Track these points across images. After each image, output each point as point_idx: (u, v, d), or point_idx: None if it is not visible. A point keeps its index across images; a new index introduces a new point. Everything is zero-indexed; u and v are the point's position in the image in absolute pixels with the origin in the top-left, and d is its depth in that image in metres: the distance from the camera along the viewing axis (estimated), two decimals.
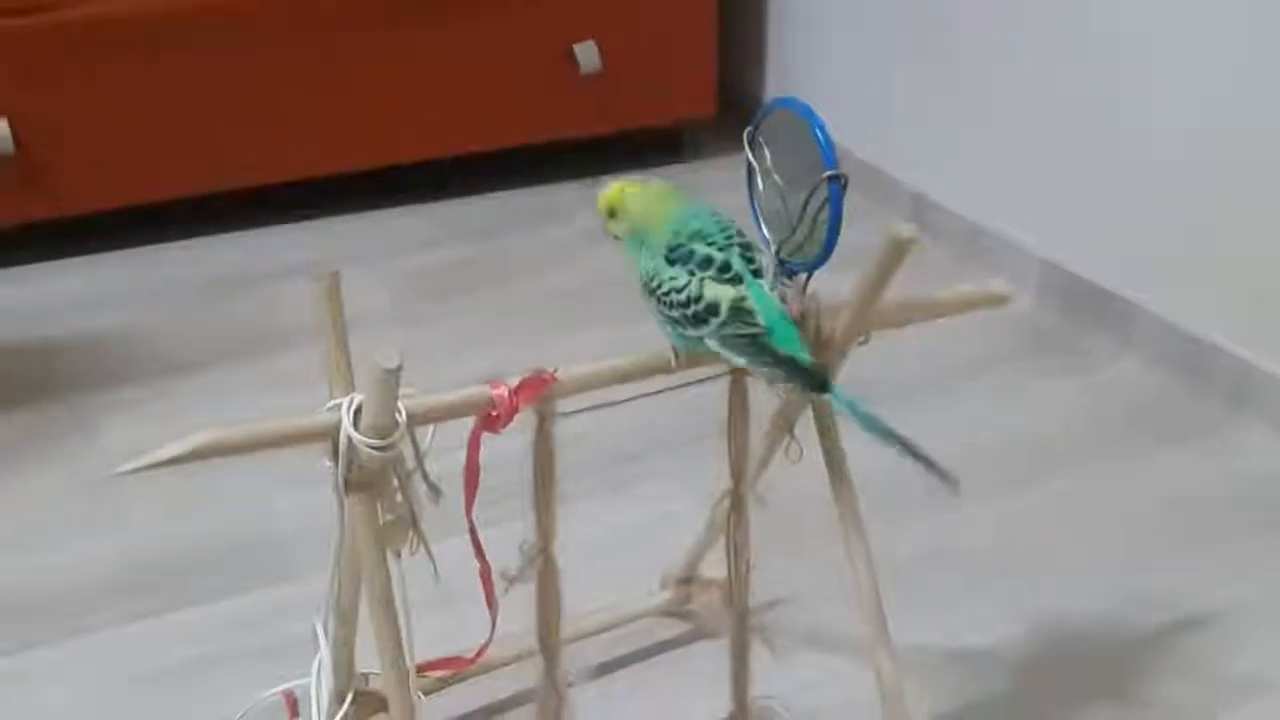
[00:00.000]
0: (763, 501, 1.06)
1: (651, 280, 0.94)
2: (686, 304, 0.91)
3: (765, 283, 0.93)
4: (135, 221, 2.32)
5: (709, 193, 2.56)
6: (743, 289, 0.91)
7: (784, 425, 1.09)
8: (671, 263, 0.93)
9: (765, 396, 1.06)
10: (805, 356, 0.91)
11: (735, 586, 1.08)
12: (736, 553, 1.06)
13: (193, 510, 1.59)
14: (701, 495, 1.31)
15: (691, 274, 0.92)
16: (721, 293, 0.91)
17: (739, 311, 0.90)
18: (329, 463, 0.93)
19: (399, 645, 0.94)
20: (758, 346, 0.90)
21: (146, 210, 2.31)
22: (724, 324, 0.91)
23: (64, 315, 2.09)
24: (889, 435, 0.94)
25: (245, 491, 1.59)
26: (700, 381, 1.01)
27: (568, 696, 1.12)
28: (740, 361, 0.92)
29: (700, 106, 2.66)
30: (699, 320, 0.92)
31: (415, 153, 2.48)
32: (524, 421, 0.98)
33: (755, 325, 0.90)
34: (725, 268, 0.92)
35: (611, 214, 0.99)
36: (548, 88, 2.50)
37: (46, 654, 1.39)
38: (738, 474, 1.05)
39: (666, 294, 0.93)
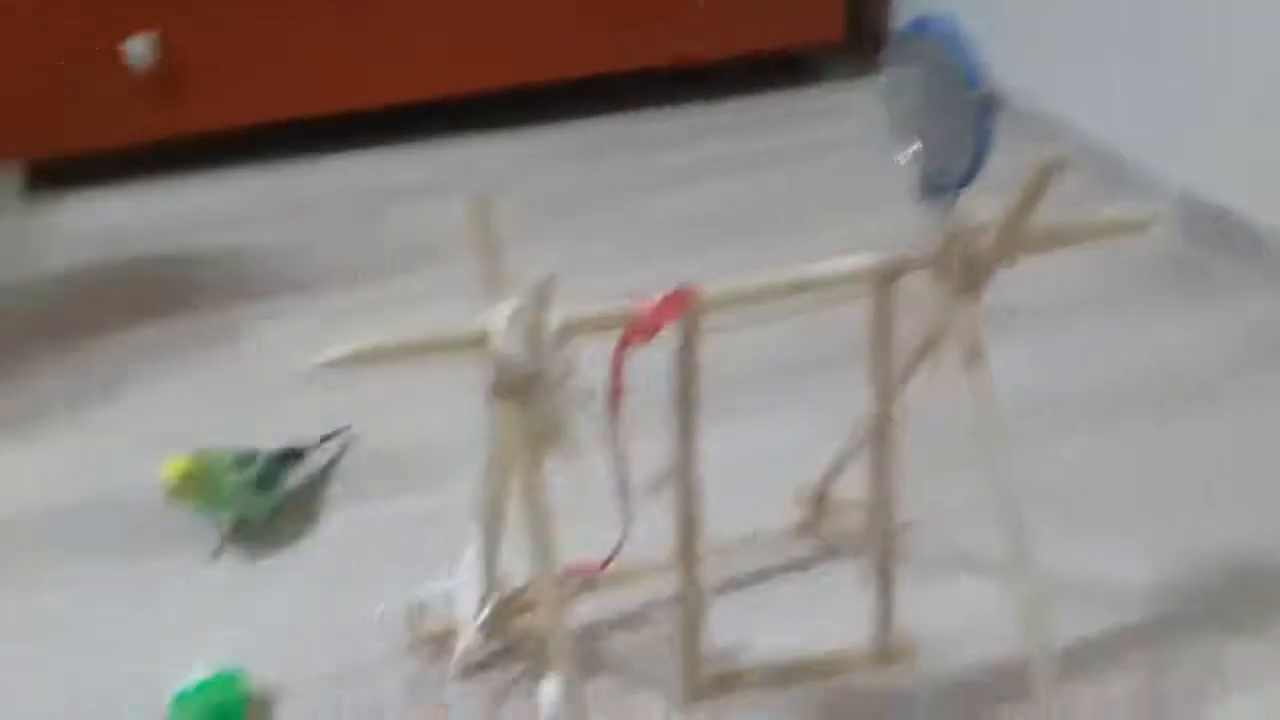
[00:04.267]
0: (904, 421, 1.06)
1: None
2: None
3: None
4: (278, 138, 2.37)
5: (838, 117, 2.56)
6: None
7: (930, 344, 1.08)
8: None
9: (910, 316, 1.06)
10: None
11: (878, 506, 1.09)
12: (880, 472, 1.07)
13: (341, 419, 1.64)
14: (835, 417, 1.32)
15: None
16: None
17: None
18: (480, 372, 0.96)
19: (549, 548, 0.97)
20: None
21: (290, 127, 2.36)
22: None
23: (210, 229, 2.16)
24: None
25: (392, 401, 1.64)
26: (844, 299, 1.01)
27: (705, 608, 1.15)
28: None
29: (827, 30, 2.62)
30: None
31: (542, 74, 2.49)
32: (669, 337, 0.99)
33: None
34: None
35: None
36: (671, 10, 2.48)
37: (200, 554, 1.45)
38: (882, 392, 1.05)
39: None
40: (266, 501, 1.49)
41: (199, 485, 1.41)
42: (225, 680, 1.22)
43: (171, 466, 1.40)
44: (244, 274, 2.00)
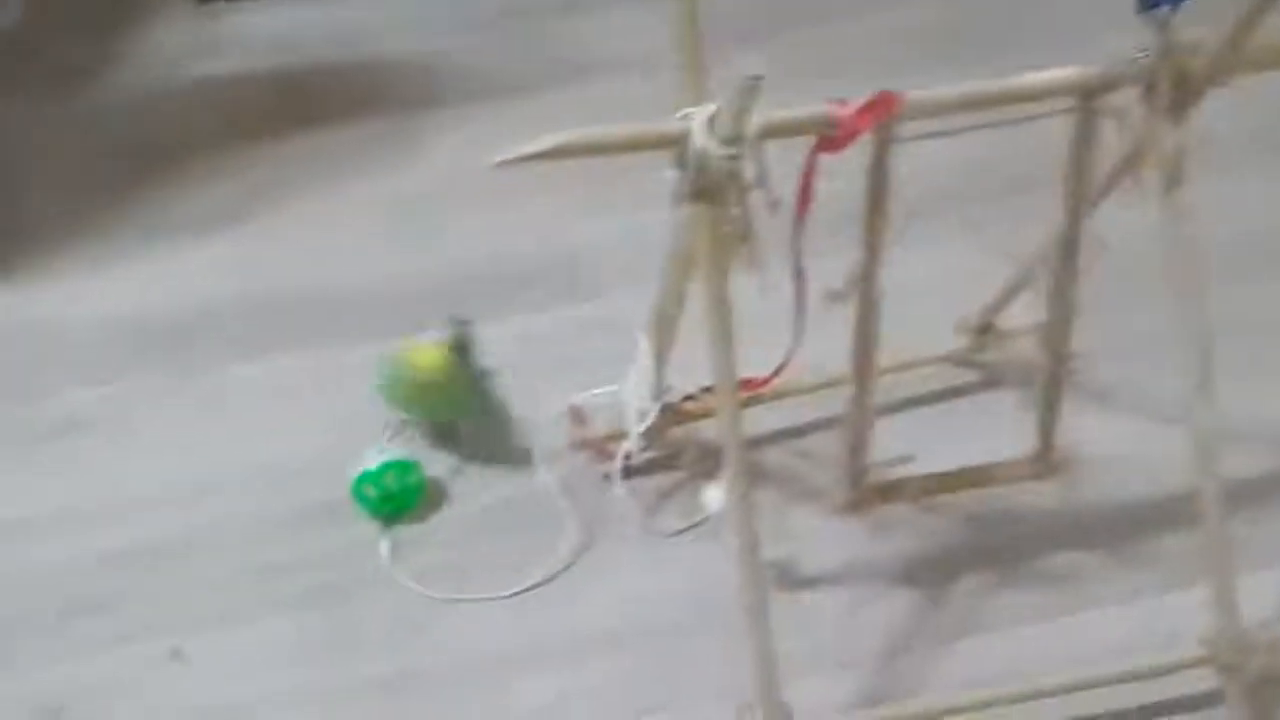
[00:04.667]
0: (1102, 243, 1.03)
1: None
2: None
3: None
4: None
5: None
6: None
7: (1129, 165, 1.05)
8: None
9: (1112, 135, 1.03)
10: None
11: (1055, 328, 1.07)
12: (1061, 293, 1.05)
13: (502, 231, 1.66)
14: (1006, 247, 1.29)
15: None
16: None
17: None
18: (672, 172, 0.96)
19: (729, 353, 0.97)
20: None
21: None
22: None
23: (391, 35, 2.12)
24: None
25: (550, 217, 1.65)
26: (1048, 114, 0.98)
27: (872, 423, 1.15)
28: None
29: None
30: None
31: None
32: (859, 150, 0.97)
33: None
34: None
35: None
36: None
37: (377, 348, 1.46)
38: (1074, 211, 1.02)
39: None
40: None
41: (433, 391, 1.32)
42: (404, 466, 1.27)
43: (423, 356, 1.31)
44: (421, 82, 1.99)
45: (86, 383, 1.46)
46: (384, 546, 1.25)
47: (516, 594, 1.21)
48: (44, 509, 1.31)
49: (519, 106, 1.88)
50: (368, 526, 1.27)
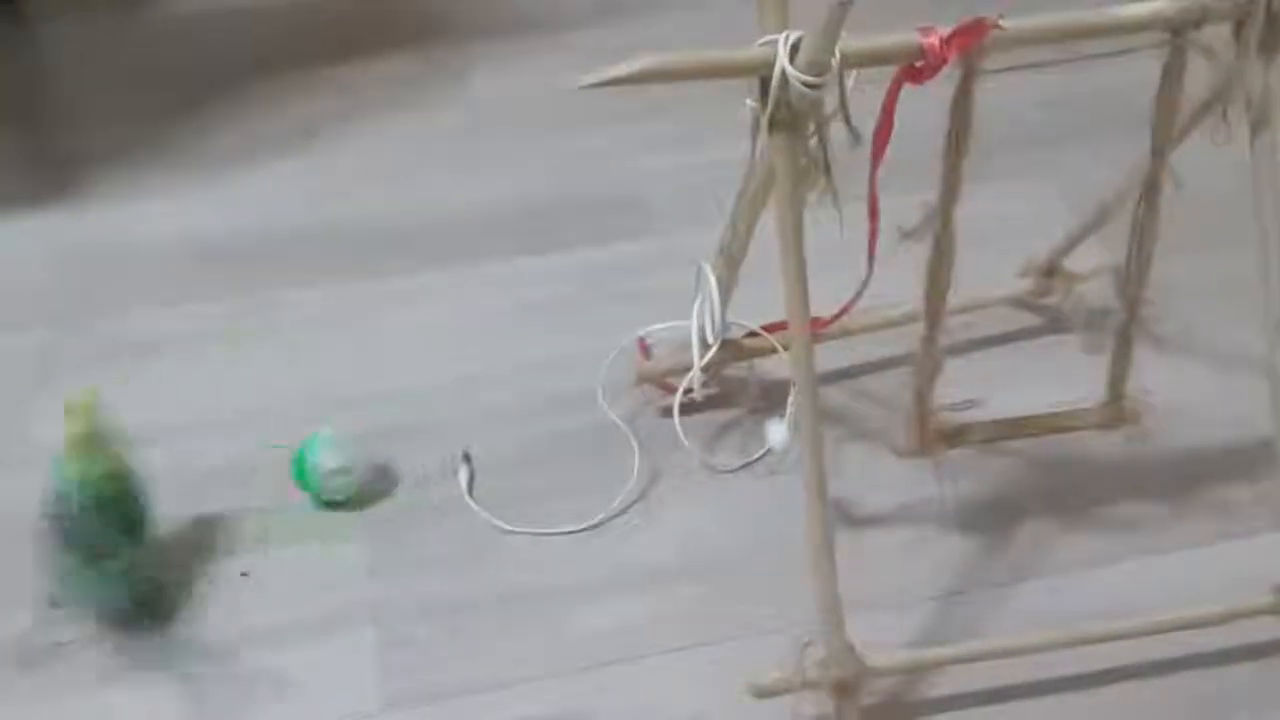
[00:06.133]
0: (1180, 181, 1.02)
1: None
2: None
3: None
4: None
5: None
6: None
7: (1215, 103, 1.02)
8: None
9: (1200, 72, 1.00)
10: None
11: (1132, 269, 1.05)
12: (1142, 233, 1.03)
13: (560, 164, 1.65)
14: (1076, 191, 1.26)
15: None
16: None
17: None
18: (751, 102, 0.94)
19: (803, 282, 0.96)
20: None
21: None
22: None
23: None
24: None
25: (610, 150, 1.64)
26: (1130, 51, 0.96)
27: (941, 362, 1.14)
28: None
29: None
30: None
31: None
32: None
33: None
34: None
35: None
36: None
37: (434, 278, 1.50)
38: (1158, 149, 1.00)
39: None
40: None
41: None
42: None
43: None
44: (475, 13, 1.97)
45: (151, 304, 1.47)
46: (462, 473, 1.26)
47: (580, 526, 1.22)
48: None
49: (576, 38, 1.87)
50: (435, 452, 1.27)
